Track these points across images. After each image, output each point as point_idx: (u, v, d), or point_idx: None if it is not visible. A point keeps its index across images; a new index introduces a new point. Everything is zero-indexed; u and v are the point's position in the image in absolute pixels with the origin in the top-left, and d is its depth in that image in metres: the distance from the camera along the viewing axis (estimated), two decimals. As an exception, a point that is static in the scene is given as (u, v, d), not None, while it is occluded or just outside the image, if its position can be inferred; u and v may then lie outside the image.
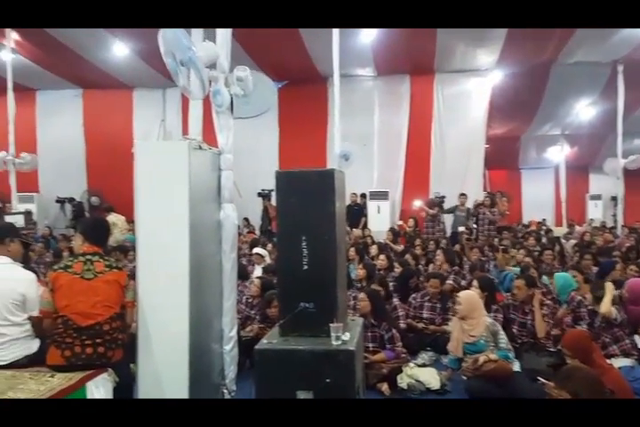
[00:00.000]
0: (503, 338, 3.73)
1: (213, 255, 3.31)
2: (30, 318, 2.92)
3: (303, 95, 10.51)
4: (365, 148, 10.50)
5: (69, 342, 2.74)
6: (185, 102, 9.84)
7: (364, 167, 10.11)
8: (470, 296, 3.93)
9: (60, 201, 11.71)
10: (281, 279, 3.26)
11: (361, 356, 3.33)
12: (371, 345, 3.97)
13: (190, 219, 2.94)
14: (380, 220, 10.14)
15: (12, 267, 3.01)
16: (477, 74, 10.56)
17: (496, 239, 8.50)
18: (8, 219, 8.67)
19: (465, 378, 3.68)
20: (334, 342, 2.87)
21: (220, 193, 3.36)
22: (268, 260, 6.68)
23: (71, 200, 11.63)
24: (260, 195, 9.99)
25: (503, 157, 14.27)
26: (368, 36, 8.82)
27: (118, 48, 9.32)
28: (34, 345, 2.91)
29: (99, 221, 3.53)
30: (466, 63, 10.22)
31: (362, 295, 4.11)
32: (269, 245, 7.45)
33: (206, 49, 3.16)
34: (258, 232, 9.92)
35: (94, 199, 11.63)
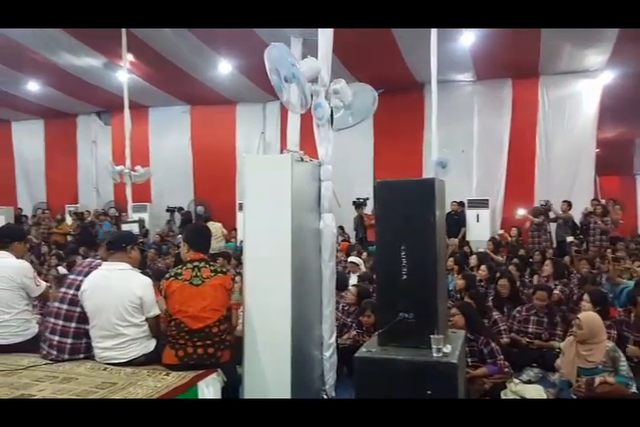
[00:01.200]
0: (624, 365, 3.46)
1: (313, 263, 3.40)
2: (147, 320, 3.15)
3: (399, 103, 10.47)
4: (463, 155, 10.25)
5: (182, 344, 2.94)
6: (284, 116, 10.26)
7: (461, 175, 9.88)
8: (592, 319, 3.62)
9: (170, 210, 12.56)
10: (379, 289, 3.26)
11: (463, 369, 3.24)
12: (470, 360, 3.84)
13: (292, 228, 3.06)
14: (480, 229, 9.81)
15: (131, 272, 3.25)
16: (586, 75, 9.95)
17: (608, 250, 7.90)
18: (124, 227, 9.46)
19: (575, 397, 3.46)
20: (435, 354, 2.82)
21: (319, 203, 3.45)
22: (362, 268, 6.73)
23: (180, 209, 12.44)
24: (354, 203, 10.07)
25: (616, 163, 13.26)
26: (467, 40, 8.63)
27: (223, 65, 9.88)
28: (150, 345, 3.14)
29: (200, 228, 3.74)
30: (573, 64, 9.67)
31: (454, 310, 3.99)
32: (364, 254, 7.49)
33: (308, 64, 3.27)
34: (353, 240, 9.99)
35: (200, 209, 12.36)
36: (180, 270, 3.09)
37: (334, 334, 3.49)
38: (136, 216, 10.75)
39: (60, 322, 3.18)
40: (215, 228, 9.65)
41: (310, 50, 5.02)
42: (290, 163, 3.08)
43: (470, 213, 10.03)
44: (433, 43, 6.79)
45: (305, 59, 3.35)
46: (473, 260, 6.67)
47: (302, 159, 3.23)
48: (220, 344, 3.00)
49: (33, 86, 11.29)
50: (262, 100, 11.75)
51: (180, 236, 12.08)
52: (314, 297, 3.38)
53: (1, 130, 14.20)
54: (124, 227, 9.42)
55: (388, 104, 10.41)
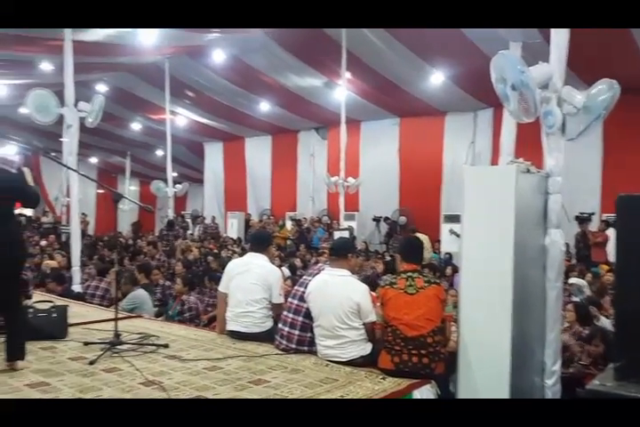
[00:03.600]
0: None
1: (537, 282, 3.18)
2: (364, 324, 3.30)
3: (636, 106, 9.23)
4: None
5: (398, 350, 3.02)
6: (496, 124, 9.85)
7: None
8: None
9: (376, 219, 12.99)
10: (620, 318, 2.90)
11: None
12: None
13: (515, 242, 2.91)
14: None
15: (351, 279, 3.43)
16: None
17: None
18: (336, 234, 10.06)
19: None
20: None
21: (545, 217, 3.22)
22: (587, 291, 6.07)
23: (386, 219, 12.78)
24: (577, 218, 9.13)
25: None
26: None
27: (435, 76, 9.90)
28: (368, 347, 3.29)
29: (413, 240, 3.78)
30: None
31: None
32: (589, 275, 6.76)
33: (539, 70, 3.10)
34: (574, 260, 9.06)
35: (402, 219, 12.56)
36: (394, 280, 3.19)
37: (559, 362, 3.21)
38: (346, 224, 11.39)
39: (291, 315, 3.54)
40: (425, 239, 9.67)
41: (530, 53, 4.75)
42: (514, 174, 2.94)
43: None
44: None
45: (537, 64, 3.17)
46: None
47: (529, 170, 3.07)
48: (435, 356, 3.00)
49: (264, 106, 12.76)
50: (473, 109, 11.46)
51: (384, 244, 12.45)
52: (536, 319, 3.16)
53: (237, 145, 16.35)
54: (336, 234, 10.02)
55: (622, 109, 9.33)
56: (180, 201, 16.34)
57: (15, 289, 3.10)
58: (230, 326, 3.87)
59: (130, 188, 19.46)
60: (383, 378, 2.99)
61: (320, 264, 3.84)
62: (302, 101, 12.08)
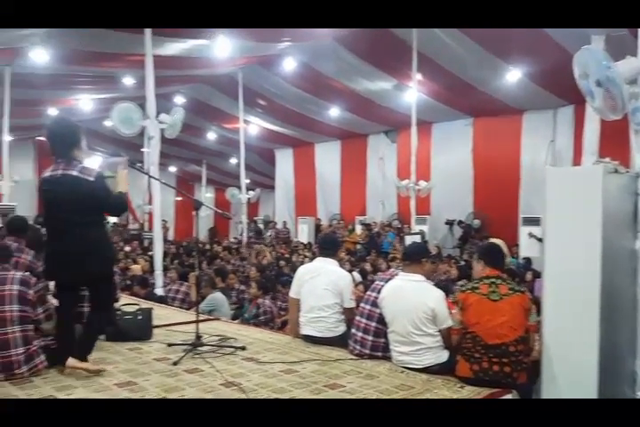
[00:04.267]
0: None
1: (626, 289, 2.98)
2: (440, 331, 3.23)
3: None
4: None
5: (477, 358, 2.93)
6: (578, 122, 9.36)
7: None
8: None
9: (449, 223, 12.70)
10: None
11: None
12: None
13: (603, 246, 2.76)
14: None
15: (425, 284, 3.37)
16: None
17: None
18: (408, 238, 9.93)
19: None
20: None
21: (636, 220, 3.02)
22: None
23: (460, 222, 12.47)
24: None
25: None
26: None
27: (512, 74, 9.56)
28: (444, 355, 3.21)
29: (494, 246, 3.66)
30: None
31: None
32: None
33: (628, 64, 2.92)
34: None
35: (476, 222, 12.20)
36: (476, 284, 3.09)
37: (653, 373, 2.99)
38: (418, 228, 11.21)
39: (364, 320, 3.52)
40: (500, 243, 9.33)
41: (614, 46, 4.48)
42: (601, 175, 2.79)
43: None
44: None
45: (623, 59, 2.99)
46: None
47: (616, 170, 2.89)
48: (517, 365, 2.89)
49: (333, 111, 12.86)
50: (553, 107, 10.95)
51: (457, 248, 12.15)
52: (626, 328, 2.96)
53: (307, 151, 16.58)
54: (408, 238, 9.89)
55: None
56: (253, 207, 16.78)
57: (107, 290, 3.27)
58: (304, 331, 3.91)
59: (206, 195, 20.20)
60: (461, 387, 2.91)
61: (392, 269, 3.80)
62: (372, 105, 12.05)
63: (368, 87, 11.28)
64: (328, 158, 15.95)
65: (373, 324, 3.47)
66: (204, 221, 17.43)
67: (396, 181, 10.99)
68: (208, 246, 12.62)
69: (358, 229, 14.16)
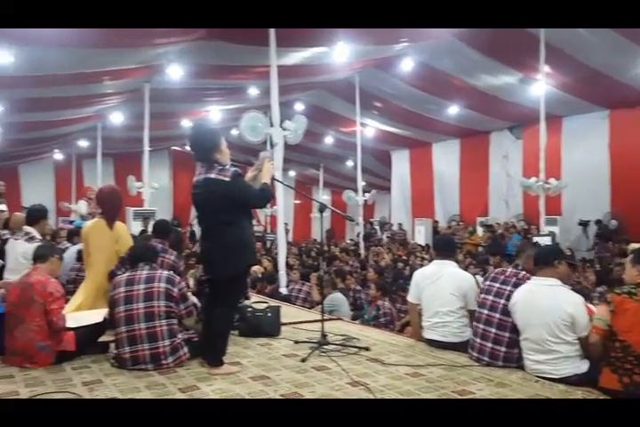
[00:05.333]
0: None
1: None
2: (579, 339, 3.00)
3: None
4: None
5: (628, 369, 2.69)
6: None
7: None
8: None
9: (583, 224, 11.76)
10: None
11: None
12: None
13: None
14: None
15: (561, 289, 3.16)
16: None
17: None
18: (537, 240, 9.34)
19: None
20: None
21: None
22: None
23: (597, 222, 11.50)
24: None
25: None
26: None
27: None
28: (583, 366, 2.99)
29: None
30: None
31: None
32: None
33: None
34: None
35: (613, 222, 11.17)
36: (634, 290, 2.83)
37: None
38: (547, 229, 10.51)
39: (493, 330, 3.36)
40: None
41: None
42: None
43: None
44: None
45: None
46: None
47: None
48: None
49: (453, 110, 12.51)
50: None
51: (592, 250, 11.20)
52: None
53: (423, 151, 16.29)
54: (536, 240, 9.32)
55: None
56: (369, 209, 16.82)
57: (239, 289, 3.47)
58: (428, 335, 3.85)
59: (323, 197, 20.67)
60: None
61: (512, 270, 3.57)
62: (495, 101, 11.56)
63: (491, 82, 10.84)
64: (446, 158, 15.55)
65: (507, 334, 3.31)
66: (321, 222, 17.82)
67: (521, 179, 10.41)
68: (326, 248, 12.90)
69: (479, 230, 13.64)
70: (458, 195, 15.47)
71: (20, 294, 3.27)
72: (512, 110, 11.98)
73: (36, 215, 4.72)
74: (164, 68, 8.99)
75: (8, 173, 14.95)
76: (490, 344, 3.36)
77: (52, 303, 3.27)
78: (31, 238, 4.50)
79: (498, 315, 3.37)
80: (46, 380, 2.97)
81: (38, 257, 3.51)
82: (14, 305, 3.26)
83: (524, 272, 3.50)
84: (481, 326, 3.45)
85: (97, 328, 3.54)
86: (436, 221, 15.65)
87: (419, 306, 3.95)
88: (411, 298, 4.02)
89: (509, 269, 3.60)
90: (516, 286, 3.37)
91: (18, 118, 9.98)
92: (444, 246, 4.13)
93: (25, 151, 14.32)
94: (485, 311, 3.45)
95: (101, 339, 3.59)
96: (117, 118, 12.18)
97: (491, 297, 3.47)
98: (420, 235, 15.28)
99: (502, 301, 3.38)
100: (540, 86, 9.44)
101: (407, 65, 10.29)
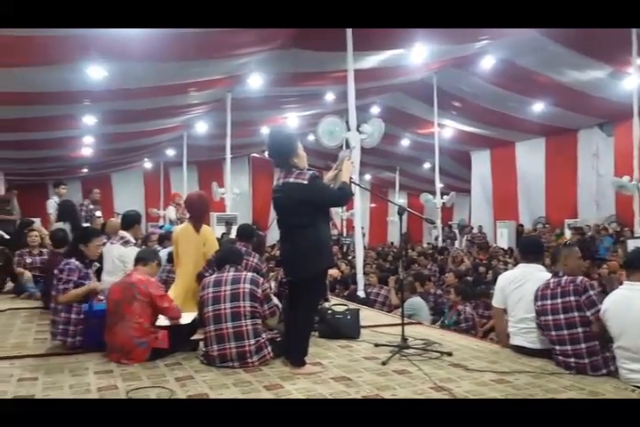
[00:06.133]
0: None
1: None
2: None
3: None
4: None
5: None
6: None
7: None
8: None
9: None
10: None
11: None
12: None
13: None
14: None
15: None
16: None
17: None
18: (630, 243, 8.74)
19: None
20: None
21: None
22: None
23: None
24: None
25: None
26: None
27: None
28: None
29: None
30: None
31: None
32: None
33: None
34: None
35: None
36: None
37: None
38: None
39: (565, 331, 3.27)
40: None
41: None
42: None
43: None
44: None
45: None
46: None
47: None
48: None
49: (537, 107, 12.02)
50: None
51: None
52: None
53: (506, 151, 15.73)
54: (630, 243, 8.73)
55: None
56: (447, 211, 16.47)
57: (318, 291, 3.52)
58: (514, 341, 3.73)
59: (399, 200, 20.51)
60: None
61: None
62: (583, 97, 10.99)
63: (578, 78, 10.32)
64: (531, 157, 14.93)
65: (580, 329, 3.23)
66: (397, 226, 17.68)
67: (613, 178, 9.79)
68: (403, 252, 12.76)
69: (567, 233, 12.95)
70: (544, 196, 14.80)
71: (121, 293, 3.52)
72: (602, 106, 11.35)
73: (130, 220, 5.03)
74: (245, 78, 9.32)
75: (102, 181, 16.09)
76: (569, 347, 3.25)
77: (161, 302, 3.53)
78: (126, 242, 4.80)
79: (562, 316, 3.28)
80: (142, 375, 3.16)
81: (140, 259, 3.79)
82: (116, 303, 3.51)
83: (580, 277, 3.36)
84: (553, 332, 3.35)
85: (188, 328, 3.73)
86: (521, 225, 15.05)
87: (505, 312, 3.84)
88: (496, 303, 3.92)
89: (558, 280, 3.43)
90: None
91: (110, 129, 10.71)
92: (530, 249, 3.97)
93: (117, 160, 15.34)
94: (550, 317, 3.36)
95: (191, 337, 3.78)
96: (201, 127, 12.78)
97: (548, 301, 3.39)
98: (503, 238, 14.77)
99: (558, 300, 3.32)
100: (633, 80, 8.86)
101: (487, 63, 10.04)
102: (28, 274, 6.28)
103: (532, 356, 3.56)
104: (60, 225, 6.23)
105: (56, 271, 3.79)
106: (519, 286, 3.71)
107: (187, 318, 3.77)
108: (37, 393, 2.79)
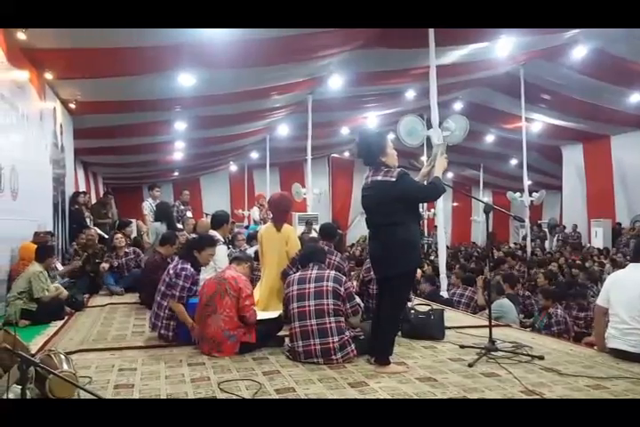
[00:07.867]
0: None
1: None
2: None
3: None
4: None
5: None
6: None
7: None
8: None
9: None
10: None
11: None
12: None
13: None
14: None
15: None
16: None
17: None
18: None
19: None
20: None
21: None
22: None
23: None
24: None
25: None
26: None
27: None
28: None
29: None
30: None
31: None
32: None
33: None
34: None
35: None
36: None
37: None
38: None
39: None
40: None
41: None
42: None
43: None
44: None
45: None
46: None
47: None
48: None
49: (635, 98, 11.20)
50: None
51: None
52: None
53: (600, 145, 14.75)
54: None
55: None
56: (536, 210, 15.70)
57: (406, 290, 3.49)
58: (613, 344, 3.51)
59: (483, 199, 19.86)
60: None
61: None
62: None
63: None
64: (629, 151, 13.90)
65: None
66: (481, 225, 17.10)
67: None
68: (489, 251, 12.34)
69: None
70: (644, 192, 13.74)
71: (215, 287, 3.70)
72: None
73: (219, 220, 5.26)
74: (325, 79, 9.43)
75: (191, 183, 16.92)
76: None
77: (244, 300, 3.65)
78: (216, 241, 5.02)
79: None
80: (232, 368, 3.29)
81: (235, 259, 4.04)
82: (209, 297, 3.69)
83: None
84: None
85: (275, 324, 3.85)
86: (618, 223, 14.06)
87: (606, 311, 3.62)
88: (600, 301, 3.73)
89: None
90: None
91: (199, 134, 11.24)
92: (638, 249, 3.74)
93: (205, 164, 16.06)
94: None
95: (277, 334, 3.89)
96: (283, 130, 13.07)
97: None
98: (598, 238, 13.88)
99: None
100: None
101: (579, 53, 9.49)
102: (104, 266, 6.30)
103: (631, 361, 3.34)
104: (158, 225, 6.60)
105: (171, 272, 3.99)
106: (622, 286, 3.52)
107: (272, 314, 3.89)
108: (137, 382, 2.99)
